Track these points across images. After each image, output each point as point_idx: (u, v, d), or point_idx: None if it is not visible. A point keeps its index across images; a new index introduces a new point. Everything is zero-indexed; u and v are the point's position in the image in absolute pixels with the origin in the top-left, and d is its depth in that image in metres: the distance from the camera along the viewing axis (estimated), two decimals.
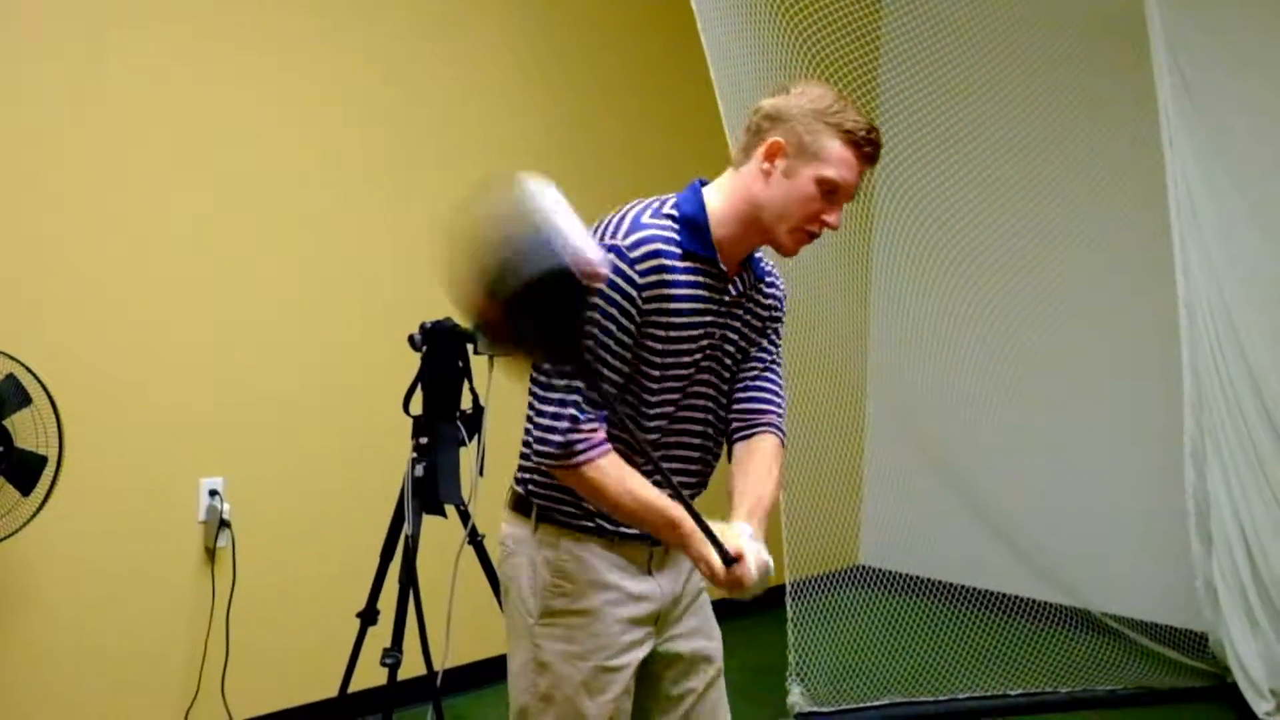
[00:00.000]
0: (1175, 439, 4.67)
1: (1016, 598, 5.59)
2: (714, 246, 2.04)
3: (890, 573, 5.93)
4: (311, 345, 3.85)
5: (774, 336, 2.23)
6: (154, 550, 3.49)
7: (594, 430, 1.95)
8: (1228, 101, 4.61)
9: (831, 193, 2.02)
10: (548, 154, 4.51)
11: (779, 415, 2.22)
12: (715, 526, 1.91)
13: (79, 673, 3.35)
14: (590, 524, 2.07)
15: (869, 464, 6.02)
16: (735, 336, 2.14)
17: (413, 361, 2.88)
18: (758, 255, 2.17)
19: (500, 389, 2.81)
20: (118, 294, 3.39)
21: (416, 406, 2.87)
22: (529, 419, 2.03)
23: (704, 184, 2.13)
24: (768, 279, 2.19)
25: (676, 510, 1.92)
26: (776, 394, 2.23)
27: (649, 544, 2.10)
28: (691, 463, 2.15)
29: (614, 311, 1.95)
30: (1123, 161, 5.08)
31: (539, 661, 2.06)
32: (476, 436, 2.85)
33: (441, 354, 2.82)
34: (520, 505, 2.13)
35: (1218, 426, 4.46)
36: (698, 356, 2.08)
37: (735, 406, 2.20)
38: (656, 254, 1.97)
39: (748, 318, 2.15)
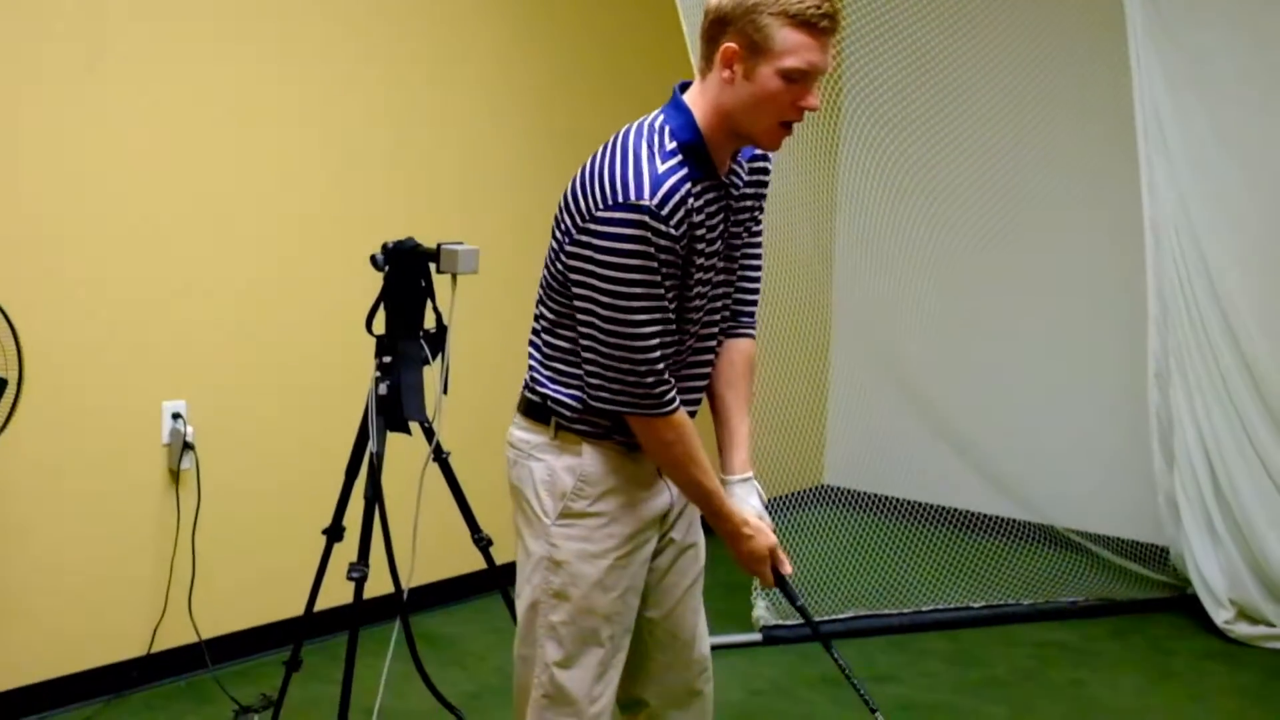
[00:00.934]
0: (1139, 358, 4.72)
1: (980, 514, 5.67)
2: (713, 162, 2.04)
3: (855, 492, 5.98)
4: (272, 266, 3.83)
5: (758, 214, 2.23)
6: (118, 473, 3.49)
7: (653, 400, 2.02)
8: (1196, 20, 4.59)
9: (798, 80, 1.97)
10: (532, 85, 4.46)
11: (753, 306, 2.26)
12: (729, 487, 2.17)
13: (45, 595, 3.37)
14: (606, 436, 2.13)
15: (833, 386, 6.05)
16: (739, 230, 2.16)
17: (375, 281, 2.86)
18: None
19: (462, 308, 2.80)
20: (76, 217, 3.35)
21: (380, 326, 2.86)
22: (558, 344, 2.10)
23: (684, 87, 2.10)
24: (757, 150, 2.17)
25: (721, 494, 2.13)
26: (752, 284, 2.26)
27: None
28: (707, 365, 2.21)
29: (667, 271, 1.96)
30: (1090, 82, 5.07)
31: (554, 560, 2.12)
32: (440, 355, 2.84)
33: (404, 274, 2.80)
34: (535, 412, 2.16)
35: (1182, 346, 4.51)
36: (715, 271, 2.12)
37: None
38: (683, 203, 1.96)
39: (744, 204, 2.16)
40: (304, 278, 3.91)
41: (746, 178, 2.15)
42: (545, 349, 2.15)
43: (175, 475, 3.60)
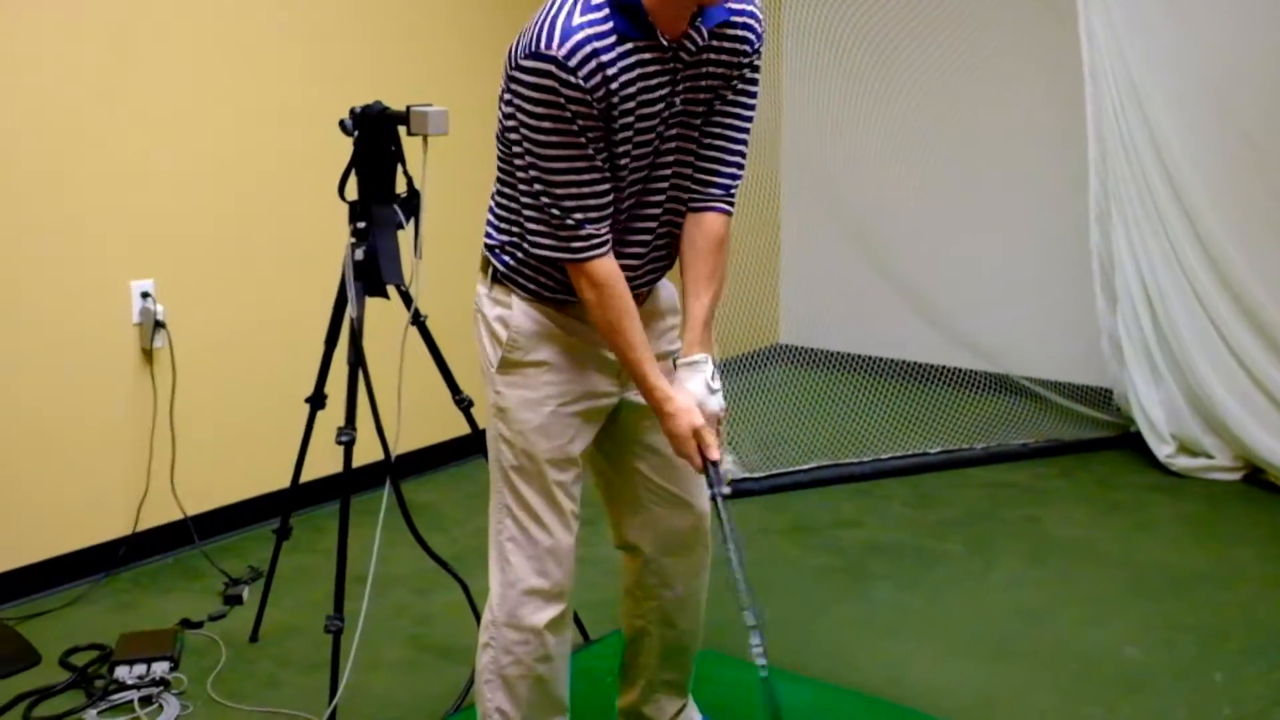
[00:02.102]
0: (1081, 205, 4.81)
1: (933, 366, 5.80)
2: (650, 22, 1.98)
3: (810, 350, 6.11)
4: (236, 137, 3.80)
5: (740, 85, 2.15)
6: (91, 356, 3.49)
7: (581, 243, 2.04)
8: None
9: None
10: None
11: (730, 183, 2.20)
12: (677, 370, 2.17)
13: (27, 481, 3.39)
14: (536, 294, 2.17)
15: (784, 245, 6.12)
16: (703, 96, 2.11)
17: (344, 147, 2.86)
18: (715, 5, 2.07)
19: (434, 171, 2.81)
20: (34, 100, 3.29)
21: (352, 192, 2.86)
22: (503, 200, 2.14)
23: None
24: (733, 18, 2.08)
25: (650, 368, 2.10)
26: (728, 158, 2.19)
27: None
28: (649, 234, 2.18)
29: (582, 123, 1.96)
30: None
31: (499, 407, 2.22)
32: (414, 219, 2.85)
33: (374, 138, 2.79)
34: (483, 264, 2.24)
35: (1121, 187, 4.60)
36: (657, 135, 2.08)
37: (693, 174, 2.20)
38: (593, 56, 1.94)
39: (711, 70, 2.09)
40: (270, 147, 3.89)
41: (715, 44, 2.07)
42: (493, 201, 2.21)
43: (149, 354, 3.60)
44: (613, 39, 1.96)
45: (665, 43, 2.01)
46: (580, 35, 1.93)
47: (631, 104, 2.01)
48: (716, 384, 2.17)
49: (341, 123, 2.79)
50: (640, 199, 2.15)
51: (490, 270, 2.22)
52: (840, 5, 5.25)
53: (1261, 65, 4.44)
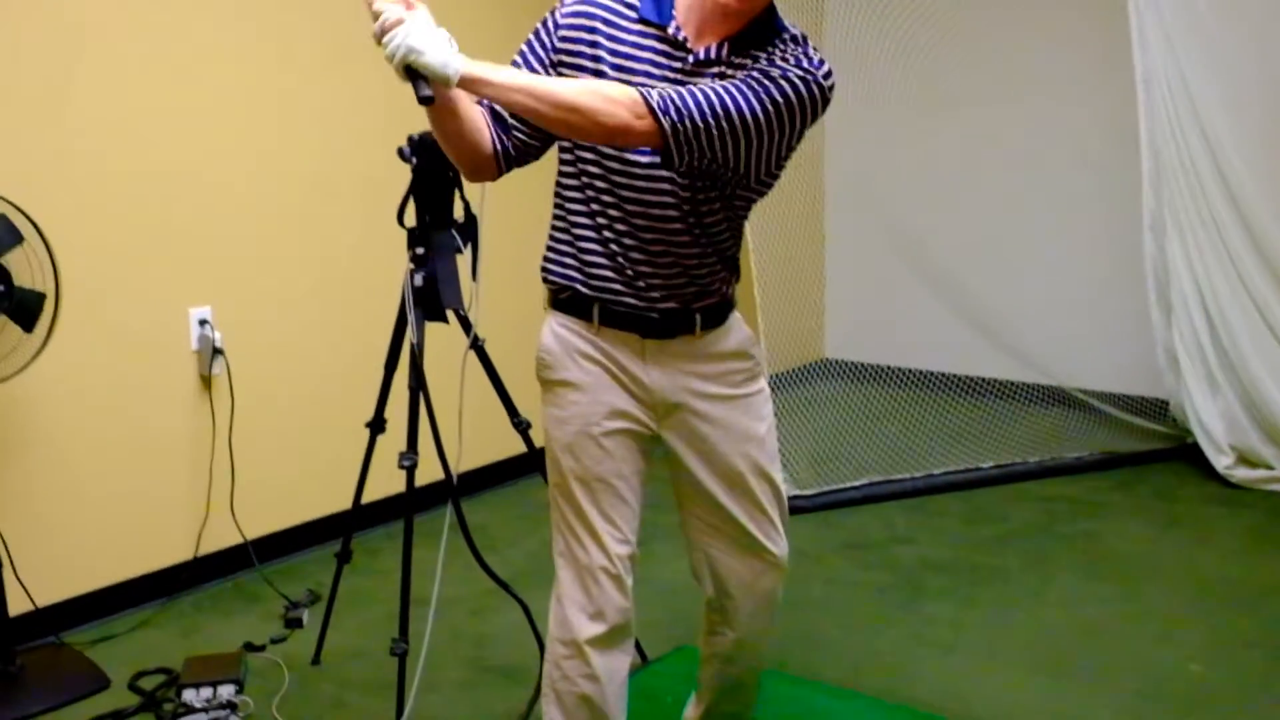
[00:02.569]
0: (1135, 214, 4.78)
1: (983, 378, 5.78)
2: (670, 15, 2.07)
3: (855, 363, 6.10)
4: (295, 166, 3.84)
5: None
6: (151, 382, 3.54)
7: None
8: None
9: None
10: None
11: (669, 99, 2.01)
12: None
13: (90, 506, 3.44)
14: (575, 302, 2.22)
15: (830, 260, 6.12)
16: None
17: (402, 174, 2.89)
18: (777, 34, 2.09)
19: (491, 196, 2.83)
20: (100, 129, 3.35)
21: (410, 219, 2.89)
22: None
23: None
24: (770, 49, 2.07)
25: None
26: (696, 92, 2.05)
27: (639, 335, 2.21)
28: (669, 254, 2.17)
29: (531, 40, 2.14)
30: None
31: (545, 424, 2.30)
32: (471, 244, 2.88)
33: (431, 165, 2.82)
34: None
35: (1176, 197, 4.57)
36: None
37: None
38: (589, 16, 2.09)
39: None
40: (329, 174, 3.94)
41: (736, 59, 2.08)
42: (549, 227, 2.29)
43: (207, 380, 3.65)
44: (630, 11, 2.09)
45: (679, 38, 2.07)
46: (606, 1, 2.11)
47: (610, 71, 2.08)
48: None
49: (400, 150, 2.82)
50: (641, 211, 2.13)
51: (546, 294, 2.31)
52: (884, 20, 5.25)
53: None
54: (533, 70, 2.12)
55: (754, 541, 2.34)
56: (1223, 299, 4.56)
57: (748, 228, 4.36)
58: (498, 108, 2.10)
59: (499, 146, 2.13)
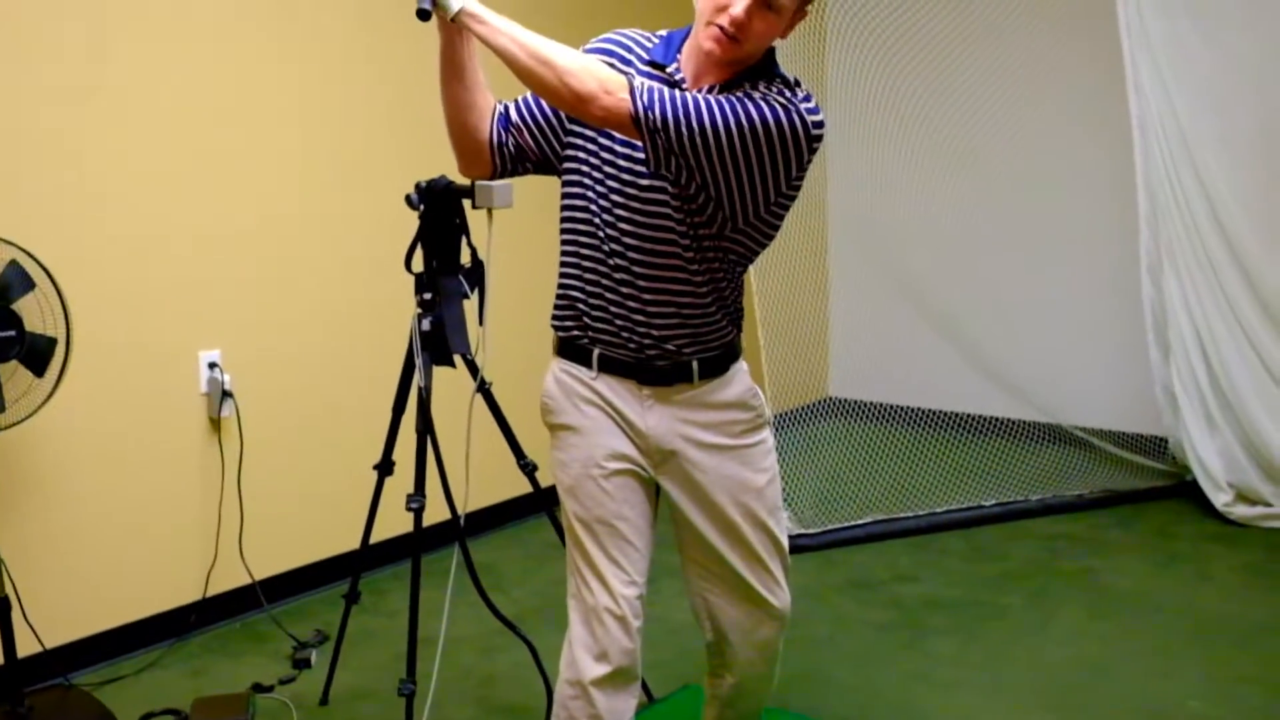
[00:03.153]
0: (1132, 254, 4.84)
1: (984, 417, 5.82)
2: (674, 57, 2.16)
3: (859, 402, 6.14)
4: (304, 211, 3.89)
5: None
6: (160, 425, 3.57)
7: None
8: None
9: None
10: None
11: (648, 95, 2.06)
12: None
13: (99, 548, 3.47)
14: (575, 348, 2.28)
15: (833, 300, 6.17)
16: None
17: (409, 221, 2.94)
18: (771, 79, 2.13)
19: (498, 242, 2.89)
20: (108, 175, 3.40)
21: (417, 264, 2.94)
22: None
23: None
24: (763, 87, 2.12)
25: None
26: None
27: (637, 382, 2.25)
28: (668, 299, 2.21)
29: None
30: None
31: (552, 463, 2.36)
32: (478, 289, 2.93)
33: (439, 211, 2.87)
34: None
35: (1173, 238, 4.63)
36: (623, 168, 2.18)
37: None
38: (609, 53, 2.21)
39: None
40: (337, 219, 3.99)
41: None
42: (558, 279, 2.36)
43: (216, 423, 3.69)
44: (641, 54, 2.19)
45: (677, 79, 2.14)
46: (613, 36, 2.24)
47: None
48: None
49: (408, 197, 2.87)
50: (646, 255, 2.17)
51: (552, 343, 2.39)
52: (884, 62, 5.33)
53: None
54: None
55: (751, 591, 2.35)
56: (1220, 338, 4.61)
57: (751, 269, 4.42)
58: (509, 107, 2.24)
59: (496, 140, 2.24)
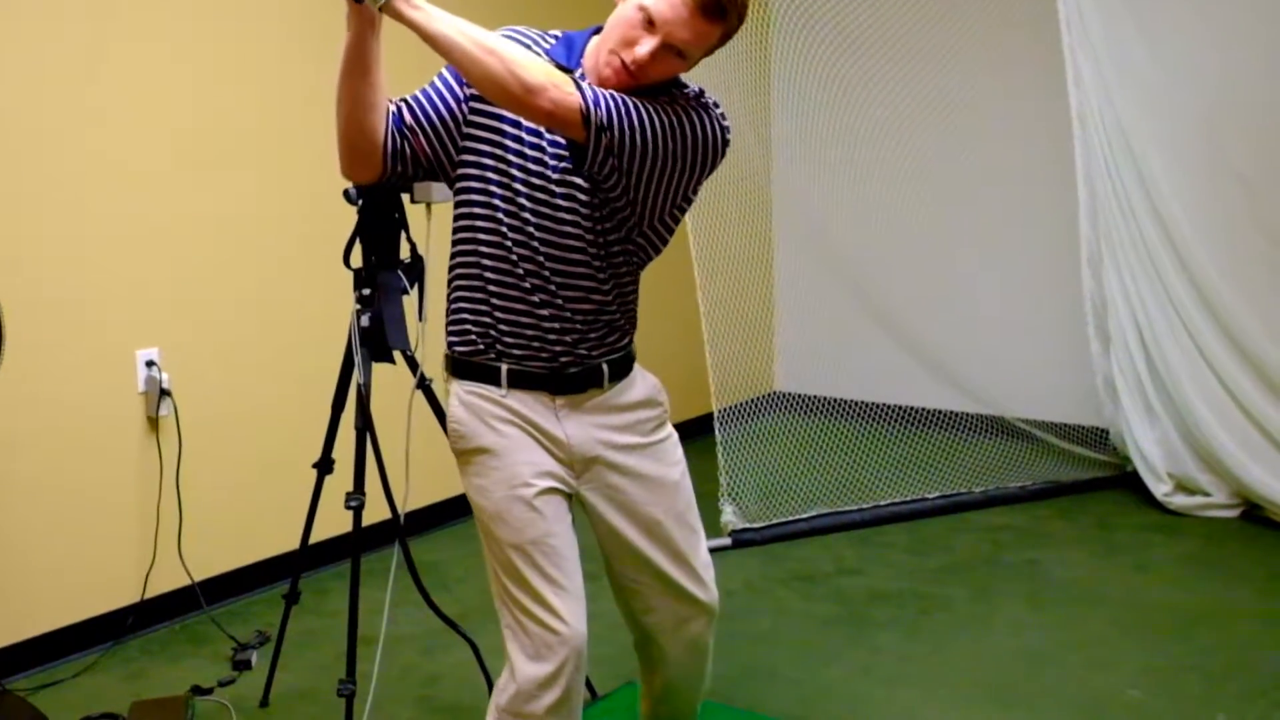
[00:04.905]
0: (1072, 247, 4.88)
1: (928, 410, 5.85)
2: (578, 62, 2.11)
3: (805, 396, 6.16)
4: (238, 207, 3.84)
5: None
6: (97, 425, 3.52)
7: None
8: None
9: (649, 23, 2.00)
10: None
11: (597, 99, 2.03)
12: None
13: (34, 550, 3.41)
14: (481, 367, 2.18)
15: (778, 293, 6.18)
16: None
17: (348, 216, 2.91)
18: (676, 87, 2.14)
19: (437, 237, 2.86)
20: (45, 170, 3.34)
21: (356, 259, 2.90)
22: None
23: (599, 31, 2.17)
24: (676, 94, 2.11)
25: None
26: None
27: (549, 393, 2.19)
28: (577, 302, 2.18)
29: (444, 75, 2.18)
30: None
31: (469, 496, 2.23)
32: (418, 284, 2.90)
33: (378, 206, 2.84)
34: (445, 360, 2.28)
35: (1113, 231, 4.68)
36: (548, 168, 2.11)
37: None
38: (515, 33, 2.15)
39: None
40: (275, 215, 3.94)
41: None
42: (450, 297, 2.25)
43: (154, 422, 3.64)
44: (539, 53, 2.12)
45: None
46: (519, 29, 2.17)
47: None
48: None
49: (346, 192, 2.84)
50: (555, 259, 2.13)
51: (445, 360, 2.27)
52: (828, 54, 5.34)
53: (1250, 104, 4.52)
54: (441, 94, 2.17)
55: (679, 589, 2.33)
56: (1158, 330, 4.66)
57: (694, 262, 4.41)
58: (402, 108, 2.15)
59: (390, 143, 2.13)
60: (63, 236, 3.40)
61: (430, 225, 2.80)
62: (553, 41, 2.16)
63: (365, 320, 2.85)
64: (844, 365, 6.04)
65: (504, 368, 2.17)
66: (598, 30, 2.16)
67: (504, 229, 2.13)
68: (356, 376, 2.85)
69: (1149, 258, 4.65)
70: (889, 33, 5.42)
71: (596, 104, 1.97)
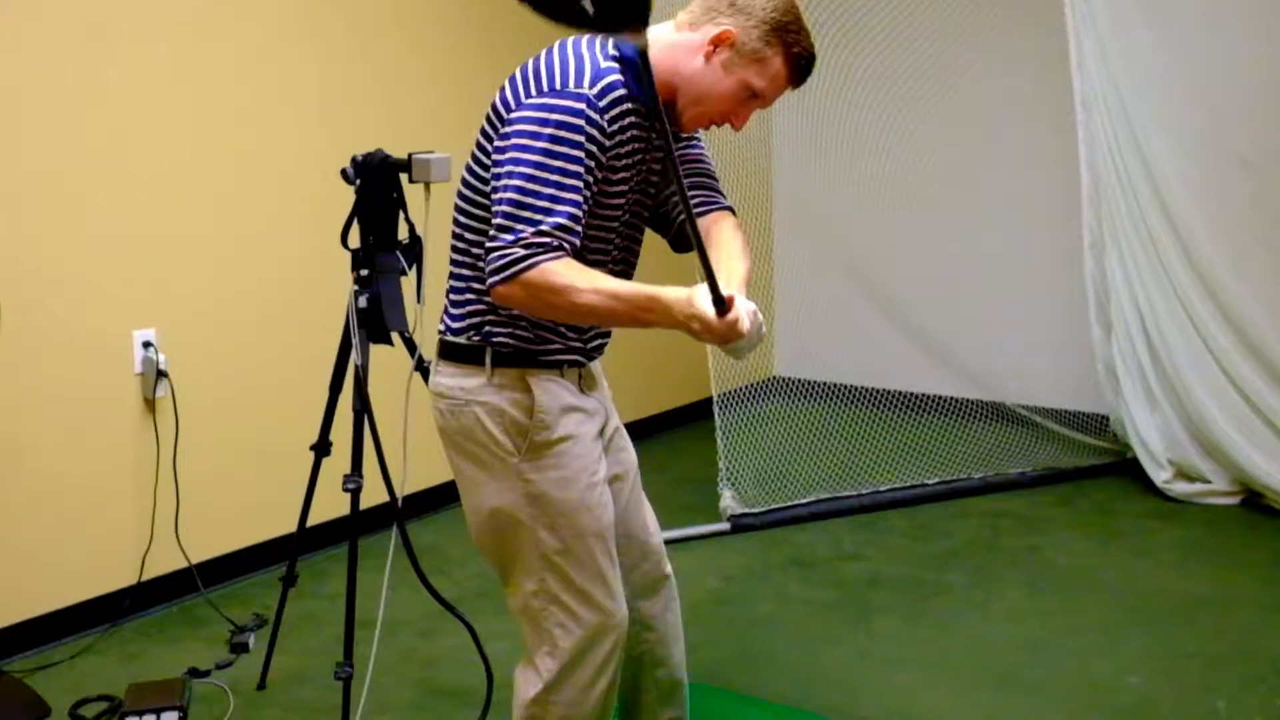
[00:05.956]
0: (1075, 233, 4.86)
1: (926, 395, 5.84)
2: (649, 96, 2.00)
3: (805, 381, 6.15)
4: (238, 187, 3.82)
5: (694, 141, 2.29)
6: (94, 406, 3.51)
7: (548, 238, 1.93)
8: None
9: (753, 98, 2.07)
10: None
11: (718, 185, 2.29)
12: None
13: (31, 532, 3.40)
14: (543, 357, 2.13)
15: (778, 277, 6.16)
16: (659, 167, 2.17)
17: (346, 195, 2.89)
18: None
19: (436, 217, 2.84)
20: (42, 151, 3.32)
21: (354, 240, 2.89)
22: (461, 262, 2.13)
23: None
24: None
25: (644, 287, 1.94)
26: (708, 170, 2.29)
27: (578, 367, 2.20)
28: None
29: (587, 162, 1.95)
30: None
31: (531, 494, 2.12)
32: (416, 265, 2.88)
33: (375, 186, 2.82)
34: (464, 355, 2.13)
35: (1115, 216, 4.65)
36: (632, 197, 2.13)
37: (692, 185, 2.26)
38: (620, 101, 1.98)
39: (657, 153, 2.15)
40: (273, 195, 3.92)
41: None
42: (473, 283, 2.12)
43: (151, 404, 3.62)
44: (624, 91, 2.00)
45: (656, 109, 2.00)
46: (611, 78, 1.98)
47: (626, 162, 2.05)
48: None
49: (343, 171, 2.82)
50: (597, 255, 2.14)
51: (487, 359, 2.12)
52: (829, 39, 5.30)
53: (1254, 89, 4.50)
54: (587, 195, 2.00)
55: (652, 535, 2.40)
56: (1160, 316, 4.65)
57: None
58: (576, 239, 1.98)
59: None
60: (60, 216, 3.38)
61: (429, 205, 2.79)
62: (610, 64, 2.00)
63: (363, 301, 2.83)
64: (843, 350, 6.02)
65: (558, 354, 2.15)
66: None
67: (614, 245, 2.16)
68: (354, 358, 2.84)
69: (1152, 243, 4.63)
70: (890, 17, 5.39)
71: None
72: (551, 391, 2.13)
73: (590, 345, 2.22)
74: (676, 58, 2.05)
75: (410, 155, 2.81)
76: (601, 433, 2.26)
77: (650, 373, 5.47)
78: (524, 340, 2.11)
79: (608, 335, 2.28)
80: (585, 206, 1.97)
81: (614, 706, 2.28)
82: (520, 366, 2.12)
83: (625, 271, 2.22)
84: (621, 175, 2.06)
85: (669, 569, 2.44)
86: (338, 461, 3.08)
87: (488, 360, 2.11)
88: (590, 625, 2.15)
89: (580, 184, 1.95)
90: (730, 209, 2.27)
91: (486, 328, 2.11)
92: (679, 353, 4.52)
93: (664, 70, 2.03)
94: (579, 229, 1.96)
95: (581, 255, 2.01)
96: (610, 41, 2.02)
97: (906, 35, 5.45)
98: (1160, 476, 4.69)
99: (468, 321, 2.13)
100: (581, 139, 1.94)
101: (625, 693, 2.50)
